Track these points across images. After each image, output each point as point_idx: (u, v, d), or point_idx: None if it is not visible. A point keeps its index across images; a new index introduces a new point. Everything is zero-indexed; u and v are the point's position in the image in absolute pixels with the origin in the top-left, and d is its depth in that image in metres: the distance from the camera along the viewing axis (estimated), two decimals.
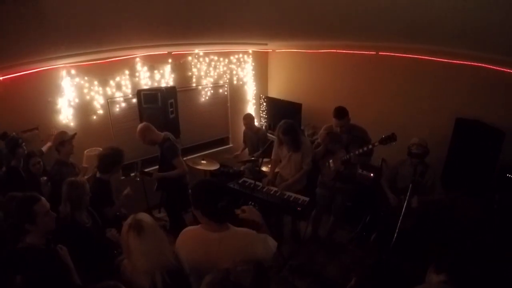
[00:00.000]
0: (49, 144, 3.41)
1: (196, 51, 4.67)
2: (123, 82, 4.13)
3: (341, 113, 3.00)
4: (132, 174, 3.32)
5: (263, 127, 5.59)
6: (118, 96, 4.16)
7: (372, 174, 3.97)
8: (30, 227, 1.75)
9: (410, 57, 3.62)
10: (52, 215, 1.85)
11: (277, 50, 5.50)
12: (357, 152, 2.96)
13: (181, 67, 4.62)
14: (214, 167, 4.21)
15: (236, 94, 5.48)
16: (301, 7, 1.93)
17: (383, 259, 2.99)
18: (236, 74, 5.31)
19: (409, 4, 1.67)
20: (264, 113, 5.69)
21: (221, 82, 5.20)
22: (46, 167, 3.14)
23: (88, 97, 3.89)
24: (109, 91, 4.05)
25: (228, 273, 1.26)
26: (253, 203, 3.24)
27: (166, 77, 4.51)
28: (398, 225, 2.64)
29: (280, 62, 5.56)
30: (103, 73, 3.93)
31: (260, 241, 1.63)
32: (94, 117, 4.00)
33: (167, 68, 4.48)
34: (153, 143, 3.28)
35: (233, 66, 5.22)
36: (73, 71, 3.69)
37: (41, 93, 3.55)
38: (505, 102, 3.07)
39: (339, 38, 3.52)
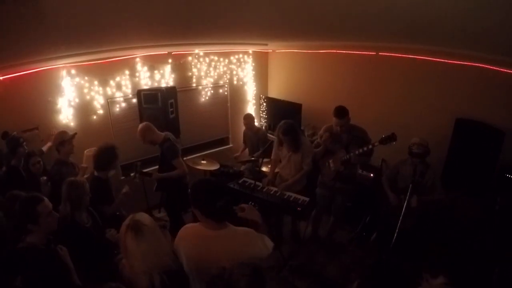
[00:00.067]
0: (49, 144, 3.41)
1: (196, 51, 4.67)
2: (123, 82, 4.13)
3: (341, 112, 3.00)
4: (132, 174, 3.32)
5: (263, 127, 5.59)
6: (118, 96, 4.16)
7: (372, 174, 3.97)
8: (32, 227, 1.76)
9: (410, 57, 3.63)
10: (54, 215, 1.86)
11: (277, 51, 5.50)
12: (357, 152, 2.96)
13: (181, 67, 4.63)
14: (214, 167, 4.21)
15: (236, 94, 5.48)
16: (301, 7, 1.93)
17: (383, 259, 2.99)
18: (236, 74, 5.31)
19: (409, 4, 1.67)
20: (264, 113, 5.69)
21: (221, 82, 5.20)
22: (46, 166, 3.15)
23: (88, 97, 3.89)
24: (109, 91, 4.05)
25: (224, 273, 1.27)
26: (253, 203, 3.24)
27: (166, 77, 4.51)
28: (398, 225, 2.64)
29: (280, 62, 5.56)
30: (103, 73, 3.94)
31: (258, 240, 1.65)
32: (94, 117, 4.00)
33: (167, 68, 4.48)
34: (153, 143, 3.28)
35: (233, 66, 5.22)
36: (73, 71, 3.69)
37: (41, 93, 3.56)
38: (505, 102, 3.07)
39: (339, 38, 3.52)
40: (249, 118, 4.63)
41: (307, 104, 4.83)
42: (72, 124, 3.80)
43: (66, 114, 3.76)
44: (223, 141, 5.72)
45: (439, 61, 3.42)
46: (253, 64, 5.48)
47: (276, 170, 3.61)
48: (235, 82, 5.36)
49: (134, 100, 4.22)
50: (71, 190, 2.16)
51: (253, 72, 5.55)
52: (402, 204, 2.73)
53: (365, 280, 2.90)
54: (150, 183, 3.46)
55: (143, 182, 3.38)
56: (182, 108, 4.43)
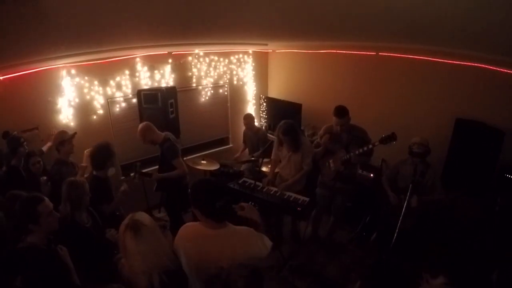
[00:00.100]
0: (49, 144, 3.41)
1: (196, 51, 4.67)
2: (123, 82, 4.13)
3: (341, 111, 3.00)
4: (132, 174, 3.32)
5: (263, 127, 5.59)
6: (118, 96, 4.16)
7: (372, 175, 3.97)
8: (33, 227, 1.76)
9: (410, 57, 3.62)
10: (55, 215, 1.86)
11: (277, 51, 5.50)
12: (357, 152, 2.96)
13: (181, 67, 4.62)
14: (214, 167, 4.21)
15: (236, 94, 5.48)
16: (301, 7, 1.93)
17: (383, 259, 2.99)
18: (236, 74, 5.31)
19: (409, 4, 1.67)
20: (264, 113, 5.69)
21: (221, 82, 5.20)
22: (46, 166, 3.15)
23: (88, 97, 3.89)
24: (109, 91, 4.05)
25: (222, 273, 1.28)
26: (253, 203, 3.24)
27: (166, 77, 4.51)
28: (398, 225, 2.64)
29: (280, 62, 5.56)
30: (103, 73, 3.94)
31: (258, 239, 1.66)
32: (94, 117, 4.00)
33: (167, 68, 4.48)
34: (154, 143, 3.28)
35: (233, 66, 5.22)
36: (73, 71, 3.69)
37: (41, 93, 3.56)
38: (505, 102, 3.07)
39: (339, 38, 3.52)
40: (249, 118, 4.63)
41: (307, 104, 4.83)
42: (72, 124, 3.80)
43: (66, 114, 3.76)
44: (223, 141, 5.72)
45: (439, 61, 3.42)
46: (253, 64, 5.48)
47: (276, 170, 3.61)
48: (235, 82, 5.36)
49: (134, 100, 4.22)
50: (71, 190, 2.16)
51: (253, 72, 5.54)
52: (402, 204, 2.73)
53: (367, 281, 2.90)
54: (150, 183, 3.46)
55: (143, 182, 3.38)
56: (182, 108, 4.43)
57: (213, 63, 4.95)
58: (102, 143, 2.78)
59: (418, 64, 3.60)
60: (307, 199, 3.12)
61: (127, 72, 4.13)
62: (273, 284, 3.13)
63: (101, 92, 3.98)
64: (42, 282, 1.63)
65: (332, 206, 3.52)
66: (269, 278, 3.18)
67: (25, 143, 2.97)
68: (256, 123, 5.01)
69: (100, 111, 4.02)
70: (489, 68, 3.08)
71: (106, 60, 3.84)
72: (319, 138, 3.35)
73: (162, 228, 3.86)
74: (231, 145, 5.71)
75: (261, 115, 5.74)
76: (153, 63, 4.33)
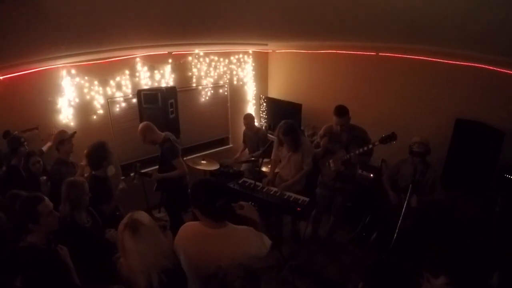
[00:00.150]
0: (49, 143, 3.41)
1: (196, 51, 4.67)
2: (123, 82, 4.14)
3: (341, 111, 3.00)
4: (132, 175, 3.32)
5: (263, 127, 5.59)
6: (118, 96, 4.17)
7: (372, 175, 3.97)
8: (33, 227, 1.76)
9: (410, 58, 3.62)
10: (55, 215, 1.86)
11: (277, 51, 5.50)
12: (357, 152, 2.96)
13: (181, 67, 4.63)
14: (214, 167, 4.21)
15: (236, 94, 5.48)
16: (301, 7, 1.93)
17: (383, 259, 2.98)
18: (236, 74, 5.31)
19: (409, 4, 1.67)
20: (264, 113, 5.69)
21: (221, 82, 5.20)
22: (46, 166, 3.15)
23: (88, 97, 3.89)
24: (109, 91, 4.05)
25: (219, 272, 1.28)
26: (253, 203, 3.24)
27: (166, 77, 4.51)
28: (398, 225, 2.64)
29: (280, 62, 5.56)
30: (103, 73, 3.94)
31: (257, 238, 1.66)
32: (94, 117, 4.00)
33: (167, 68, 4.48)
34: (154, 143, 3.28)
35: (233, 67, 5.22)
36: (73, 71, 3.69)
37: (41, 92, 3.56)
38: (505, 103, 3.07)
39: (339, 38, 3.52)
40: (249, 118, 4.63)
41: (307, 104, 4.83)
42: (72, 124, 3.81)
43: (66, 114, 3.76)
44: (223, 141, 5.72)
45: (439, 61, 3.42)
46: (253, 64, 5.48)
47: (276, 170, 3.61)
48: (235, 82, 5.36)
49: (134, 100, 4.22)
50: (70, 190, 2.16)
51: (253, 72, 5.55)
52: (402, 204, 2.73)
53: (369, 282, 2.90)
54: (150, 183, 3.46)
55: (143, 182, 3.38)
56: (182, 108, 4.43)
57: (213, 63, 4.95)
58: (97, 143, 2.75)
59: (418, 64, 3.60)
60: (307, 199, 3.12)
61: (127, 72, 4.13)
62: (273, 284, 3.13)
63: (101, 92, 3.98)
64: (42, 282, 1.63)
65: (332, 206, 3.52)
66: (269, 278, 3.18)
67: (25, 143, 2.97)
68: (256, 123, 5.01)
69: (100, 111, 4.02)
70: (489, 69, 3.08)
71: (106, 60, 3.84)
72: (319, 138, 3.35)
73: (163, 228, 3.85)
74: (231, 145, 5.71)
75: (261, 115, 5.74)
76: (153, 63, 4.33)
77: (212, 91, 5.14)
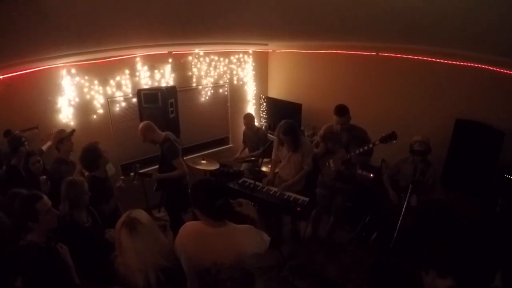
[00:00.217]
0: (49, 143, 3.40)
1: (197, 51, 4.67)
2: (123, 82, 4.13)
3: (342, 110, 3.00)
4: (131, 174, 3.32)
5: (263, 127, 5.59)
6: (118, 95, 4.17)
7: (372, 175, 3.97)
8: (32, 225, 1.76)
9: (410, 58, 3.63)
10: (54, 212, 1.87)
11: (277, 51, 5.50)
12: (357, 152, 2.96)
13: (181, 67, 4.63)
14: (214, 167, 4.22)
15: (236, 94, 5.48)
16: (301, 7, 1.93)
17: (383, 259, 2.99)
18: (236, 74, 5.31)
19: (409, 4, 1.67)
20: (264, 113, 5.69)
21: (221, 82, 5.20)
22: (46, 166, 3.15)
23: (88, 97, 3.89)
24: (109, 90, 4.05)
25: (212, 268, 1.28)
26: (253, 203, 3.24)
27: (166, 77, 4.51)
28: (398, 225, 2.64)
29: (280, 62, 5.56)
30: (103, 72, 3.94)
31: (257, 236, 1.67)
32: (94, 116, 4.00)
33: (167, 68, 4.48)
34: (154, 142, 3.28)
35: (233, 66, 5.22)
36: (73, 70, 3.69)
37: (41, 92, 3.56)
38: (505, 103, 3.07)
39: (339, 38, 3.52)
40: (249, 117, 4.63)
41: (307, 104, 4.83)
42: (72, 123, 3.80)
43: (66, 114, 3.76)
44: (223, 141, 5.72)
45: (439, 61, 3.42)
46: (253, 64, 5.48)
47: (276, 170, 3.61)
48: (235, 82, 5.36)
49: (134, 100, 4.22)
50: (70, 189, 2.15)
51: (253, 72, 5.55)
52: (402, 204, 2.73)
53: (365, 280, 2.90)
54: (150, 183, 3.46)
55: (143, 182, 3.38)
56: (182, 108, 4.43)
57: (213, 63, 4.95)
58: (88, 145, 2.69)
59: (418, 64, 3.60)
60: (307, 199, 3.12)
61: (127, 71, 4.13)
62: (273, 284, 3.14)
63: (101, 91, 3.98)
64: (42, 281, 1.63)
65: (332, 206, 3.52)
66: (269, 278, 3.18)
67: (26, 142, 2.98)
68: (256, 123, 5.01)
69: (100, 111, 4.02)
70: (489, 69, 3.08)
71: (106, 60, 3.84)
72: (319, 138, 3.35)
73: (163, 228, 3.87)
74: (231, 145, 5.71)
75: (261, 115, 5.74)
76: (153, 62, 4.33)
77: (212, 91, 5.14)
